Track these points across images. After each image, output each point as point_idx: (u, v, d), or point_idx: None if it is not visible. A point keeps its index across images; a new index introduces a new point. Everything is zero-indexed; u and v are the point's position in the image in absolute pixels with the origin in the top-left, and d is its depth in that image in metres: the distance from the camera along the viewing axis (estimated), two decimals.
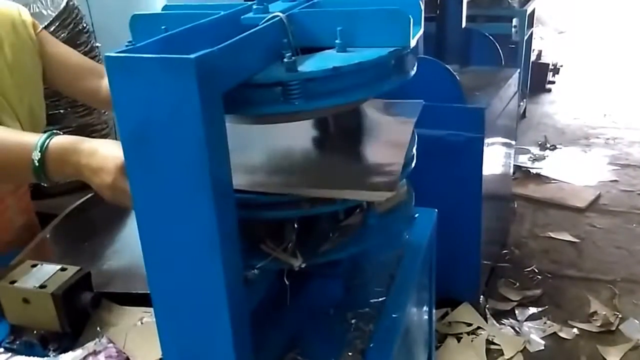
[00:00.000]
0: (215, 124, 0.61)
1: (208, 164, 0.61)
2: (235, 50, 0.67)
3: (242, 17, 0.85)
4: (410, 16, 0.78)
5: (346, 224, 0.90)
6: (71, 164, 0.93)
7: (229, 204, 0.65)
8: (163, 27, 0.78)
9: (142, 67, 0.61)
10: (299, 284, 0.93)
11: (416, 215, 1.23)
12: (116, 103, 0.63)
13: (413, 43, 0.82)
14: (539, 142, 3.90)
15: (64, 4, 1.51)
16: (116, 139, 1.73)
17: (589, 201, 3.16)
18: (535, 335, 2.17)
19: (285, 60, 0.71)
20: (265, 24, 0.78)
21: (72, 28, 1.52)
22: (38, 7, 1.53)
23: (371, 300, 0.99)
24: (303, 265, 0.82)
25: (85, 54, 1.56)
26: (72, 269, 0.98)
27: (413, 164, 0.93)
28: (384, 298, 1.00)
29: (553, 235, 2.86)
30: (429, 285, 1.28)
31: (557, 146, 3.87)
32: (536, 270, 2.59)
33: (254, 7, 0.85)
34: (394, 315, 0.96)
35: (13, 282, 0.96)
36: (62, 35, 1.50)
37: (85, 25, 1.58)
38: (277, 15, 0.81)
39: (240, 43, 0.67)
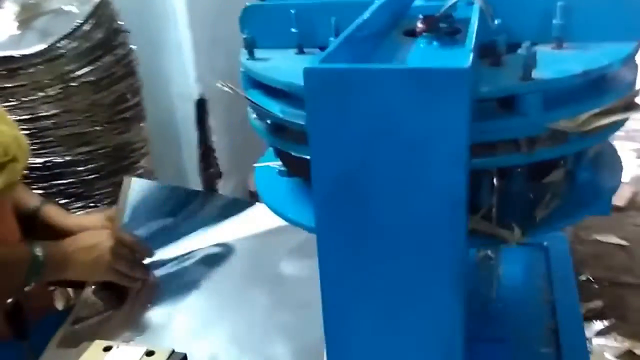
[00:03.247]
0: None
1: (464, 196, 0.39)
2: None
3: (414, 4, 0.64)
4: None
5: (550, 182, 0.65)
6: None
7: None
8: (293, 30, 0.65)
9: (385, 81, 0.39)
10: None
11: None
12: (325, 130, 0.40)
13: None
14: None
15: None
16: (152, 158, 1.51)
17: (627, 199, 2.99)
18: (609, 355, 1.98)
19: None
20: (472, 18, 0.56)
21: (107, 27, 1.28)
22: (67, 5, 1.28)
23: None
24: (522, 240, 0.57)
25: (122, 57, 1.32)
26: (161, 353, 0.75)
27: None
28: None
29: (600, 239, 2.67)
30: None
31: None
32: (592, 279, 2.40)
33: None
34: None
35: None
36: (99, 36, 1.26)
37: (120, 24, 1.34)
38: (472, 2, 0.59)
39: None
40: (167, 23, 1.73)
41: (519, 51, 0.52)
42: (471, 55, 0.39)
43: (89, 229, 1.07)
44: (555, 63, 0.55)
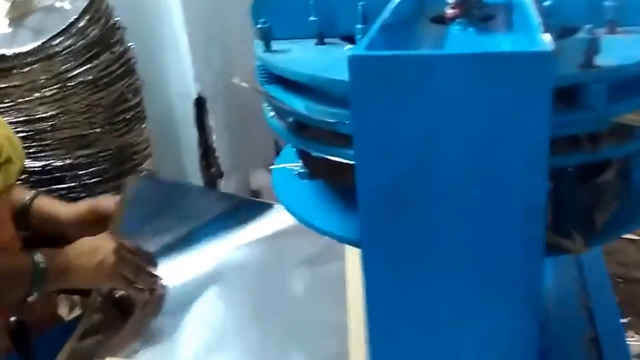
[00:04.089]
0: None
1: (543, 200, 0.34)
2: None
3: None
4: None
5: (603, 182, 0.59)
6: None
7: None
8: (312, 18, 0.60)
9: (449, 68, 0.33)
10: None
11: None
12: (373, 127, 0.35)
13: None
14: None
15: None
16: (154, 159, 1.45)
17: None
18: None
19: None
20: None
21: (104, 24, 1.22)
22: (59, 1, 1.22)
23: None
24: (585, 251, 0.51)
25: (120, 55, 1.26)
26: None
27: None
28: None
29: None
30: None
31: None
32: None
33: None
34: None
35: None
36: (94, 32, 1.20)
37: (117, 20, 1.27)
38: None
39: None
40: (162, 20, 1.67)
41: (579, 35, 0.46)
42: (548, 37, 0.34)
43: (86, 217, 1.04)
44: (615, 49, 0.49)
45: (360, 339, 0.87)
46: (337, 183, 0.66)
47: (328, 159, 0.67)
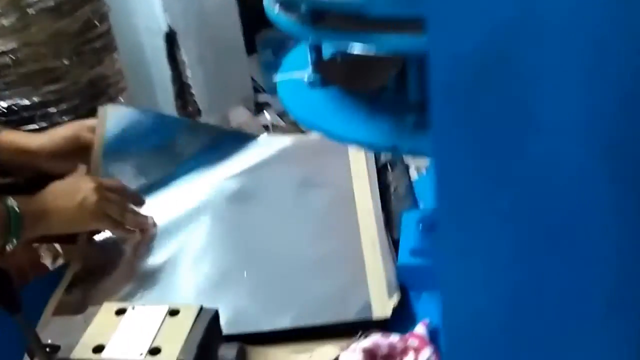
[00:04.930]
0: None
1: None
2: None
3: None
4: None
5: None
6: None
7: None
8: None
9: None
10: None
11: None
12: None
13: None
14: None
15: None
16: (129, 94, 1.34)
17: None
18: None
19: None
20: None
21: None
22: None
23: None
24: None
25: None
26: (187, 310, 0.62)
27: None
28: None
29: None
30: None
31: None
32: None
33: None
34: None
35: (99, 347, 0.59)
36: None
37: None
38: None
39: None
40: None
41: None
42: None
43: (64, 148, 0.94)
44: None
45: (378, 266, 0.81)
46: (357, 89, 0.58)
47: (345, 61, 0.59)
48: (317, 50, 0.57)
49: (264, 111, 2.12)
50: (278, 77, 0.64)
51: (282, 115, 2.04)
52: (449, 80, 0.29)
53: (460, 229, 0.32)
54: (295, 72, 0.63)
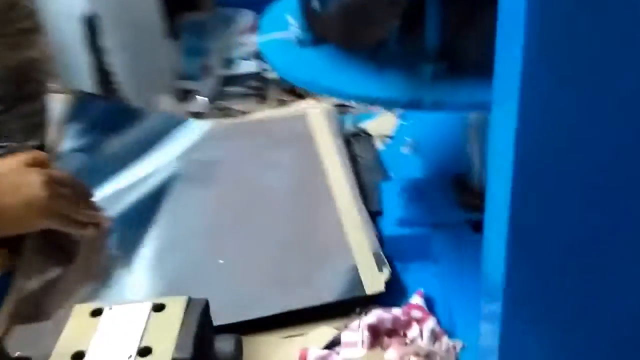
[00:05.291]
0: None
1: None
2: None
3: None
4: None
5: None
6: None
7: None
8: None
9: None
10: None
11: None
12: None
13: None
14: None
15: None
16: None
17: None
18: None
19: None
20: None
21: None
22: None
23: None
24: None
25: None
26: (174, 303, 0.56)
27: None
28: None
29: None
30: None
31: None
32: None
33: None
34: None
35: (78, 354, 0.53)
36: None
37: None
38: None
39: None
40: None
41: None
42: None
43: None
44: None
45: (361, 239, 0.77)
46: (352, 46, 0.53)
47: (337, 17, 0.54)
48: (306, 5, 0.52)
49: (194, 97, 2.04)
50: (259, 39, 0.59)
51: (211, 100, 1.97)
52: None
53: None
54: (278, 33, 0.57)
